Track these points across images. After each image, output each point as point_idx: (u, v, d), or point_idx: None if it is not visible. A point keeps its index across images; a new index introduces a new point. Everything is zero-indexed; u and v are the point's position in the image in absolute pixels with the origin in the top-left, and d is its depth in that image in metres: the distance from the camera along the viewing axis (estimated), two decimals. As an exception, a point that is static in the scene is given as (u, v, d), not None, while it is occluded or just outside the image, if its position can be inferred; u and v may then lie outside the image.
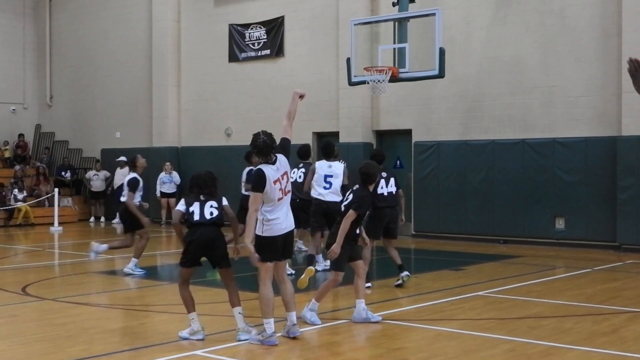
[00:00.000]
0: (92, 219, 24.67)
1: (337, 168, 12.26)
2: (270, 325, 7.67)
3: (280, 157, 7.88)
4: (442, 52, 15.51)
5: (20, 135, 27.05)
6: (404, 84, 17.08)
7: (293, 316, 7.95)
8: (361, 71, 16.56)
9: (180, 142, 24.02)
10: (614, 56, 16.31)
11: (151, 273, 13.01)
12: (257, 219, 7.73)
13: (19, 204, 22.80)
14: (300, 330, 7.99)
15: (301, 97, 8.47)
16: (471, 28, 18.26)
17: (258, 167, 7.85)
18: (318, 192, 12.18)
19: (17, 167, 25.12)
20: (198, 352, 7.46)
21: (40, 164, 25.86)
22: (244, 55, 22.38)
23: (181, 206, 8.20)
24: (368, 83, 16.34)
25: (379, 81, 16.03)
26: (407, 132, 19.34)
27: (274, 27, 21.63)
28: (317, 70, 20.75)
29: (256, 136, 7.87)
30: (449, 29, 17.46)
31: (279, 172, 7.77)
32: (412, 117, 19.20)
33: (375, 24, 18.28)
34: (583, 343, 7.81)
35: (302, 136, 20.83)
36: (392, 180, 11.54)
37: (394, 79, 16.11)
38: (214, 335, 8.24)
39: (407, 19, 16.41)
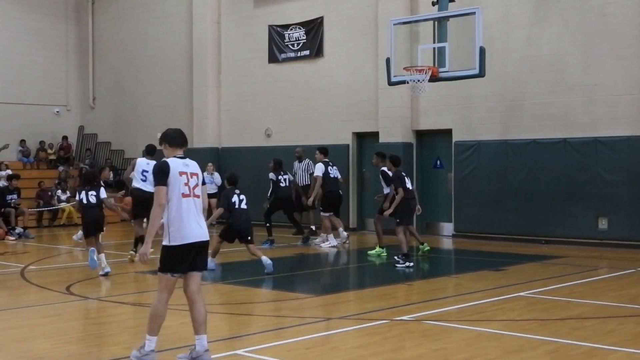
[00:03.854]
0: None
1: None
2: (152, 342, 6.90)
3: (193, 161, 7.26)
4: (482, 51, 15.42)
5: (64, 137, 27.45)
6: (444, 83, 17.01)
7: (204, 340, 6.97)
8: (401, 71, 16.54)
9: (221, 143, 24.18)
10: (657, 54, 16.09)
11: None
12: (161, 219, 6.97)
13: (63, 205, 23.13)
14: (212, 358, 7.05)
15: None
16: (510, 27, 18.11)
17: (162, 159, 7.24)
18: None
19: (61, 169, 25.49)
20: (240, 351, 7.48)
21: (84, 165, 26.21)
22: (283, 56, 22.45)
23: None
24: (407, 83, 16.33)
25: (418, 81, 16.00)
26: (447, 132, 19.24)
27: (313, 28, 21.67)
28: (356, 70, 20.74)
29: (167, 129, 7.40)
30: (488, 28, 17.32)
31: (187, 167, 7.08)
32: (452, 117, 19.10)
33: (415, 24, 18.24)
34: (627, 344, 7.71)
35: (341, 136, 20.93)
36: (408, 178, 14.57)
37: (434, 78, 16.07)
38: (255, 335, 8.29)
39: (447, 18, 16.35)
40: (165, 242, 6.95)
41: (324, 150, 17.17)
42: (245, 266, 14.01)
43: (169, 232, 6.93)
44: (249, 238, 12.90)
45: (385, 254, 15.20)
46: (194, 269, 7.06)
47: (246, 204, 13.09)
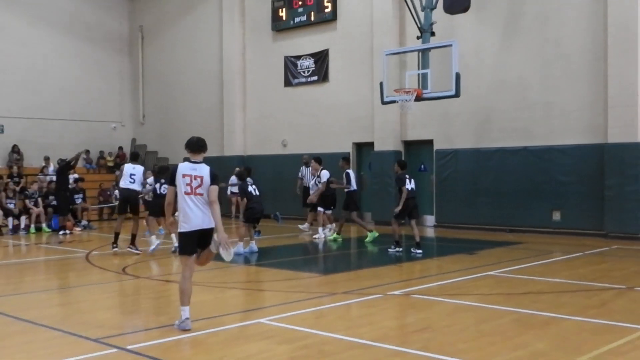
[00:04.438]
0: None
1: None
2: (185, 312, 7.08)
3: (205, 166, 7.27)
4: (457, 76, 15.41)
5: (120, 147, 27.55)
6: (427, 102, 16.96)
7: (212, 242, 7.28)
8: (392, 92, 16.53)
9: (246, 152, 24.20)
10: (601, 77, 16.02)
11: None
12: (173, 212, 7.41)
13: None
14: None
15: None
16: (482, 55, 18.07)
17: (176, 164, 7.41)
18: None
19: (117, 173, 25.54)
20: (263, 320, 7.50)
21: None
22: (296, 81, 22.46)
23: None
24: (397, 102, 16.30)
25: (406, 100, 15.98)
26: (430, 142, 19.21)
27: (321, 58, 21.68)
28: (356, 92, 20.73)
29: (191, 137, 7.49)
30: (464, 57, 17.30)
31: (194, 171, 7.18)
32: (433, 130, 19.07)
33: (403, 54, 18.21)
34: (577, 314, 7.71)
35: (343, 146, 20.92)
36: (412, 180, 13.60)
37: (419, 98, 16.05)
38: (274, 307, 8.31)
39: (429, 49, 16.34)
40: (179, 230, 7.23)
41: (319, 159, 16.72)
42: (269, 251, 14.03)
43: (180, 222, 7.22)
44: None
45: (377, 234, 15.34)
46: (200, 247, 7.28)
47: (259, 191, 13.73)
